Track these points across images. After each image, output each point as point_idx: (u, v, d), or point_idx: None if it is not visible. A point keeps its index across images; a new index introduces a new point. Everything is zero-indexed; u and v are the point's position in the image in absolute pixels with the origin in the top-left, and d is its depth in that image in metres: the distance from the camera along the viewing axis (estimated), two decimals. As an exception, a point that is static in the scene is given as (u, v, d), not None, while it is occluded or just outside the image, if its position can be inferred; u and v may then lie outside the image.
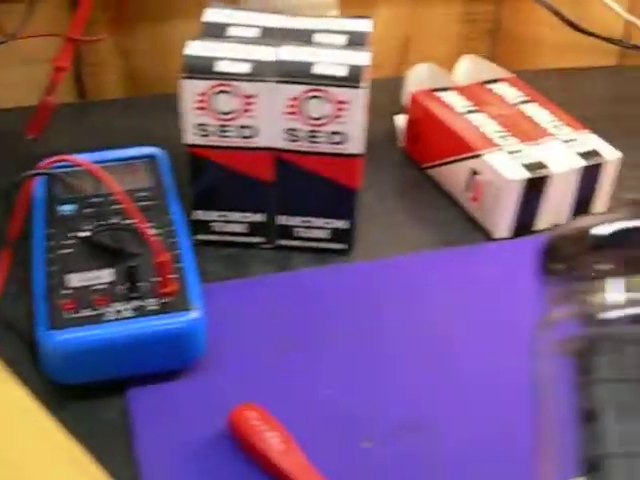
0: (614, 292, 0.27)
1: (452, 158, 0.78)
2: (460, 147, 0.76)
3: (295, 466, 0.51)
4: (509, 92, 0.85)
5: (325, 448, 0.53)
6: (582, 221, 0.29)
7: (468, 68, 0.89)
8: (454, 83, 0.86)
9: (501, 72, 0.88)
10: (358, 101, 0.64)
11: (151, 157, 0.70)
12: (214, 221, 0.70)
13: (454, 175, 0.78)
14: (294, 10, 0.72)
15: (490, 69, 0.89)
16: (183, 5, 0.91)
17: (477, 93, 0.84)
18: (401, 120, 0.87)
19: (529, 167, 0.72)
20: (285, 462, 0.51)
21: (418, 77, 0.87)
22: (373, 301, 0.65)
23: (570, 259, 0.28)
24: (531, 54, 1.07)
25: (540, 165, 0.73)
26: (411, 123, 0.84)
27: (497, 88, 0.86)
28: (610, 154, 0.76)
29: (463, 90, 0.84)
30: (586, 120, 0.80)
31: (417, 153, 0.84)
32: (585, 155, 0.76)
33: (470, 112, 0.80)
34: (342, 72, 0.64)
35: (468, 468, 0.52)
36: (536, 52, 1.06)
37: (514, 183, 0.71)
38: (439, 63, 0.89)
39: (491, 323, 0.64)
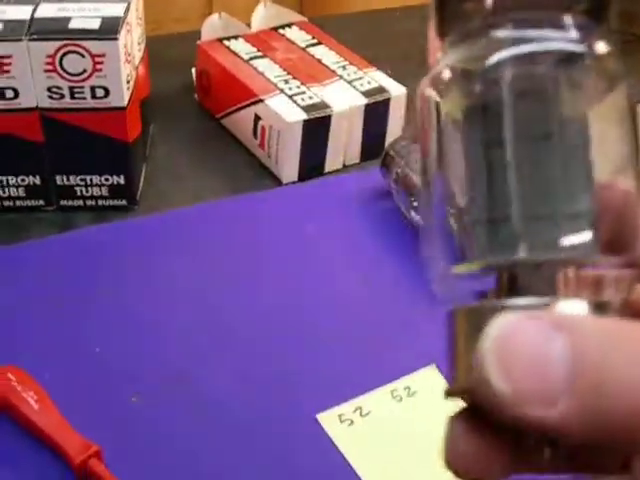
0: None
1: (238, 105, 0.77)
2: (244, 93, 0.76)
3: (51, 424, 0.50)
4: (298, 36, 0.85)
5: (95, 405, 0.52)
6: None
7: (263, 15, 0.89)
8: (248, 31, 0.86)
9: (294, 17, 0.88)
10: (115, 54, 0.63)
11: None
12: (-9, 187, 0.69)
13: (242, 122, 0.78)
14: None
15: (284, 14, 0.88)
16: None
17: (266, 39, 0.84)
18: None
19: (309, 108, 0.73)
20: (41, 420, 0.50)
21: (211, 28, 0.86)
22: (153, 255, 0.65)
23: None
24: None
25: (321, 106, 0.73)
26: (200, 74, 0.83)
27: (288, 33, 0.86)
28: (396, 90, 0.77)
29: (251, 37, 0.84)
30: (388, 59, 0.81)
31: (209, 103, 0.83)
32: (369, 92, 0.76)
33: (254, 58, 0.80)
34: (95, 25, 0.63)
35: (233, 418, 0.53)
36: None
37: (294, 125, 0.71)
38: (242, 13, 0.88)
39: (276, 267, 0.64)
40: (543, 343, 0.21)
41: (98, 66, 0.63)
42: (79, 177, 0.68)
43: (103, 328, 0.58)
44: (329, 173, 0.76)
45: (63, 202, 0.70)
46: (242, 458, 0.50)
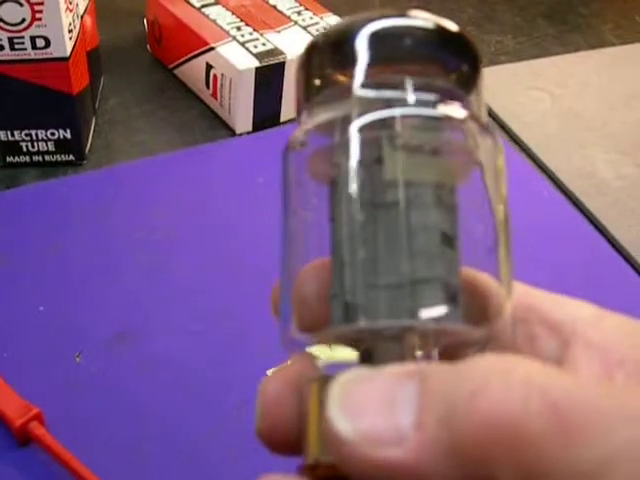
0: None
1: (190, 55, 0.75)
2: (195, 42, 0.74)
3: (-11, 387, 0.48)
4: (252, -18, 0.82)
5: (37, 365, 0.51)
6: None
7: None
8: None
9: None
10: (55, 1, 0.60)
11: None
12: None
13: (194, 72, 0.75)
14: None
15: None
16: None
17: (219, -14, 0.81)
18: (147, 22, 0.83)
19: (262, 55, 0.70)
20: (-21, 383, 0.48)
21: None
22: (102, 210, 0.63)
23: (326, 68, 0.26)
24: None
25: (275, 52, 0.71)
26: (151, 24, 0.80)
27: (242, -21, 0.83)
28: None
29: (204, -16, 0.81)
30: (347, 3, 0.79)
31: (162, 54, 0.81)
32: (325, 39, 0.74)
33: (206, 6, 0.77)
34: (32, -29, 0.60)
35: (180, 376, 0.51)
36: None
37: (246, 73, 0.69)
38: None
39: (229, 220, 0.62)
40: (390, 386, 0.20)
41: (37, 15, 0.60)
42: (24, 132, 0.66)
43: (47, 287, 0.56)
44: (285, 123, 0.74)
45: (9, 158, 0.68)
46: (191, 416, 0.48)
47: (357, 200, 0.24)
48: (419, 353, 0.24)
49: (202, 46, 0.72)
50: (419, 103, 0.24)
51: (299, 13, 0.77)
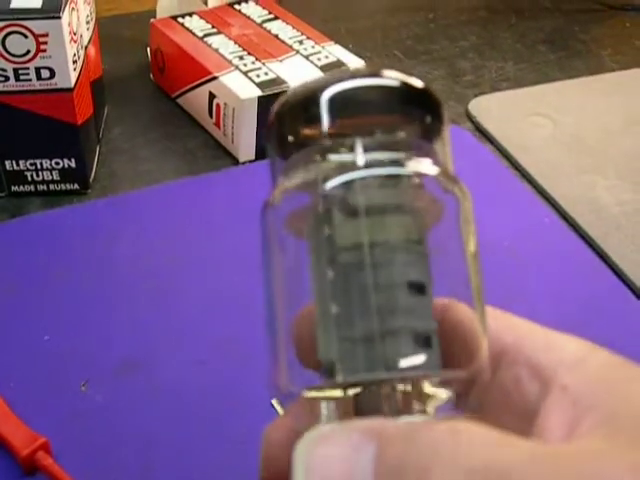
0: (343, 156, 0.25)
1: (193, 84, 0.76)
2: (198, 71, 0.74)
3: (-5, 417, 0.49)
4: (254, 11, 0.83)
5: (43, 395, 0.51)
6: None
7: (219, -9, 0.87)
8: (204, 8, 0.84)
9: (250, -8, 0.86)
10: (59, 33, 0.61)
11: None
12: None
13: (197, 101, 0.76)
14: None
15: (240, -11, 0.87)
16: None
17: (221, 15, 0.82)
18: (150, 51, 0.84)
19: (265, 84, 0.71)
20: (-15, 414, 0.49)
21: (167, 6, 0.85)
22: (106, 239, 0.63)
23: (297, 127, 0.27)
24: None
25: (277, 81, 0.72)
26: (154, 53, 0.81)
27: (243, 8, 0.84)
28: (355, 63, 0.76)
29: (206, 14, 0.82)
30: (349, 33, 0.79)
31: (165, 83, 0.81)
32: (327, 67, 0.75)
33: (208, 35, 0.78)
34: (37, 4, 0.61)
35: (186, 405, 0.51)
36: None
37: (249, 102, 0.70)
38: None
39: (233, 249, 0.62)
40: (350, 451, 0.21)
41: (42, 46, 0.61)
42: (29, 162, 0.67)
43: (53, 316, 0.56)
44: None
45: (14, 188, 0.68)
46: (197, 445, 0.49)
47: (325, 259, 0.25)
48: (398, 399, 0.24)
49: (205, 75, 0.73)
50: (384, 162, 0.25)
51: (301, 42, 0.78)
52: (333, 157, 0.25)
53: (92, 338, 0.55)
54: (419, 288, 0.25)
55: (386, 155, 0.25)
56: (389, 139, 0.25)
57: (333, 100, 0.25)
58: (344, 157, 0.25)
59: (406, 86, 0.26)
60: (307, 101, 0.26)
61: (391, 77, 0.26)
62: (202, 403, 0.51)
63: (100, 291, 0.58)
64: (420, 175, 0.25)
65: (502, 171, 0.73)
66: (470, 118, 0.81)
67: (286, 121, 0.27)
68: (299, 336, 0.26)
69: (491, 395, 0.26)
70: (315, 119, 0.25)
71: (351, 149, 0.25)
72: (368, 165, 0.25)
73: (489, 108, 0.82)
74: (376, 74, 0.26)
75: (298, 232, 0.26)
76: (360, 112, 0.26)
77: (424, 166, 0.25)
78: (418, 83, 0.26)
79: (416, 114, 0.26)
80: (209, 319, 0.56)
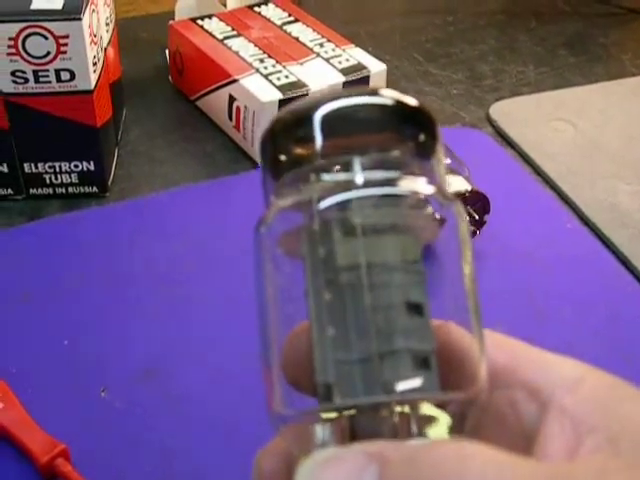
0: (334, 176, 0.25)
1: (213, 86, 0.75)
2: (218, 74, 0.74)
3: (15, 422, 0.48)
4: (274, 14, 0.83)
5: (62, 401, 0.51)
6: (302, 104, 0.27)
7: (239, -7, 0.86)
8: (224, 10, 0.84)
9: (270, -6, 0.86)
10: (80, 35, 0.60)
11: None
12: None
13: (217, 104, 0.76)
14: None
15: (260, -8, 0.86)
16: None
17: (241, 18, 0.81)
18: (169, 53, 0.84)
19: (285, 87, 0.71)
20: (5, 418, 0.48)
21: (185, 8, 0.84)
22: (124, 243, 0.63)
23: (291, 146, 0.26)
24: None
25: (298, 85, 0.71)
26: (173, 55, 0.81)
27: (263, 10, 0.83)
28: (375, 66, 0.75)
29: (225, 16, 0.81)
30: (368, 36, 0.79)
31: (184, 85, 0.81)
32: (347, 70, 0.74)
33: (228, 38, 0.77)
34: (58, 5, 0.60)
35: (205, 412, 0.51)
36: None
37: (269, 105, 0.69)
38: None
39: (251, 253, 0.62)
40: (353, 474, 0.21)
41: (62, 48, 0.60)
42: (47, 164, 0.66)
43: (72, 320, 0.56)
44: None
45: (32, 190, 0.68)
46: (214, 453, 0.48)
47: (322, 280, 0.25)
48: (396, 420, 0.24)
49: (225, 78, 0.73)
50: (379, 182, 0.25)
51: (321, 45, 0.77)
52: (328, 176, 0.25)
53: (112, 343, 0.55)
54: (417, 309, 0.24)
55: (382, 174, 0.25)
56: (384, 158, 0.25)
57: (327, 119, 0.25)
58: (339, 176, 0.25)
59: (400, 104, 0.26)
60: (301, 120, 0.26)
61: (385, 96, 0.26)
62: (221, 411, 0.50)
63: (119, 295, 0.58)
64: (416, 194, 0.25)
65: (523, 176, 0.72)
66: (491, 122, 0.80)
67: (279, 140, 0.26)
68: (291, 357, 0.26)
69: (486, 416, 0.26)
70: (309, 138, 0.25)
71: (346, 168, 0.25)
72: (365, 185, 0.24)
73: (510, 112, 0.81)
74: (370, 93, 0.26)
75: (292, 252, 0.26)
76: (355, 131, 0.25)
77: (420, 185, 0.25)
78: (412, 101, 0.26)
79: (410, 132, 0.26)
80: (229, 326, 0.56)
